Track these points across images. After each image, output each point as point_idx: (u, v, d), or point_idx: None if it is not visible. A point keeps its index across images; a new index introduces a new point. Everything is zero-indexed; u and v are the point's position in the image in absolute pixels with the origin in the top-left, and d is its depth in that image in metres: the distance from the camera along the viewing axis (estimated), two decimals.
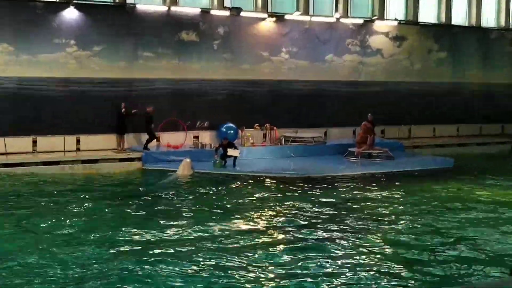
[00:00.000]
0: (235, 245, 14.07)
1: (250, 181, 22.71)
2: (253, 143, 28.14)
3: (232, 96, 29.84)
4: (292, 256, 13.32)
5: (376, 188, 21.77)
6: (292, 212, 17.75)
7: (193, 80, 28.77)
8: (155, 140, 27.07)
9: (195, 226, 15.80)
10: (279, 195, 20.18)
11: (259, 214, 17.50)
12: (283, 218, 17.07)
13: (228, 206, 18.60)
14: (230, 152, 24.76)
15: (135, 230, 15.40)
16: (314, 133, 30.57)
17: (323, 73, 32.14)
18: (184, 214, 17.36)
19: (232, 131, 28.28)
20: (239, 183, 22.45)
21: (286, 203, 18.93)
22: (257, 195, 20.20)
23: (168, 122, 28.09)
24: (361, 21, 32.73)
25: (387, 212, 18.07)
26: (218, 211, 17.82)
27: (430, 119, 35.02)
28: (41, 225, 15.99)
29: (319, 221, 16.79)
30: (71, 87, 26.28)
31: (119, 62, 26.95)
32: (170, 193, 20.34)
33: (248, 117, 29.51)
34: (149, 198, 19.67)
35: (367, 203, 19.16)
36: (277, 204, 18.84)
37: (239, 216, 17.14)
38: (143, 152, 25.46)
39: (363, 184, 22.47)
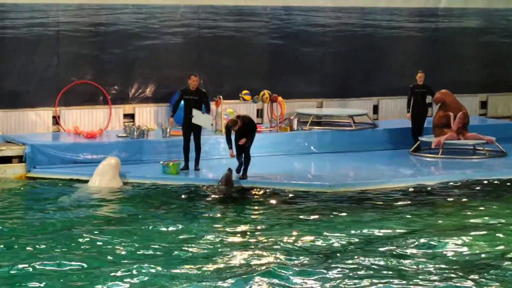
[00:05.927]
0: None
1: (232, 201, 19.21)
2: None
3: (197, 37, 25.02)
4: None
5: (482, 216, 17.16)
6: None
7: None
8: None
9: None
10: (285, 233, 15.59)
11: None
12: None
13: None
14: (198, 117, 20.64)
15: None
16: (355, 108, 26.34)
17: None
18: None
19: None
20: (209, 204, 18.43)
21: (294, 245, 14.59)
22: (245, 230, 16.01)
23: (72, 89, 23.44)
24: None
25: None
26: None
27: None
28: None
29: None
30: None
31: None
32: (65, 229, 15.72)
33: (229, 78, 24.88)
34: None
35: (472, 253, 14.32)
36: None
37: None
38: (26, 145, 21.32)
39: (457, 209, 18.10)
